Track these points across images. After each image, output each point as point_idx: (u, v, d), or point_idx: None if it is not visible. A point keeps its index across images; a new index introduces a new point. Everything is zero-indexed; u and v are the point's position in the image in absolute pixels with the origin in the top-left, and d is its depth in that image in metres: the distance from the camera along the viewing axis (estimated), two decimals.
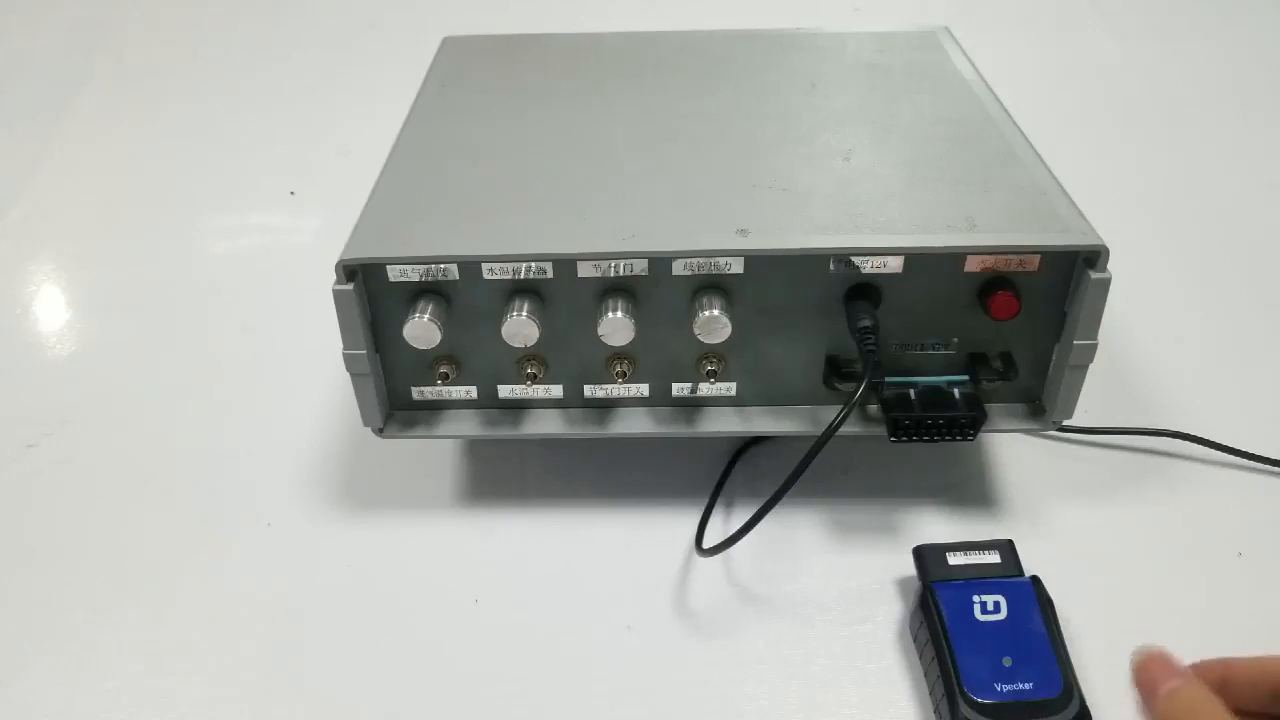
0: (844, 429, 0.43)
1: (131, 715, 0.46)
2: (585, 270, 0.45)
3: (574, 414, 0.50)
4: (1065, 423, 0.49)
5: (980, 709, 0.41)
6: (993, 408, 0.49)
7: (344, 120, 0.93)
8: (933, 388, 0.48)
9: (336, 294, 0.45)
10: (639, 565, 0.51)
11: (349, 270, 0.45)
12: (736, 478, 0.55)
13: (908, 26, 0.66)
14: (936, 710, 0.43)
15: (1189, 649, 0.42)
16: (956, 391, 0.47)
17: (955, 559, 0.47)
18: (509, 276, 0.45)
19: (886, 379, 0.47)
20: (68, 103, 0.98)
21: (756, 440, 0.56)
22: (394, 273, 0.45)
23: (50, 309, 0.72)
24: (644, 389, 0.50)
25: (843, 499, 0.54)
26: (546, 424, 0.50)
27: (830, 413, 0.45)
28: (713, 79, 0.60)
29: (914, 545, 0.48)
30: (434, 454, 0.58)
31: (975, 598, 0.45)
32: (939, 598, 0.45)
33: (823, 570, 0.51)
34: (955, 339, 0.48)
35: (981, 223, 0.45)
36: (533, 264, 0.45)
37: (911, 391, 0.47)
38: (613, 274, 0.45)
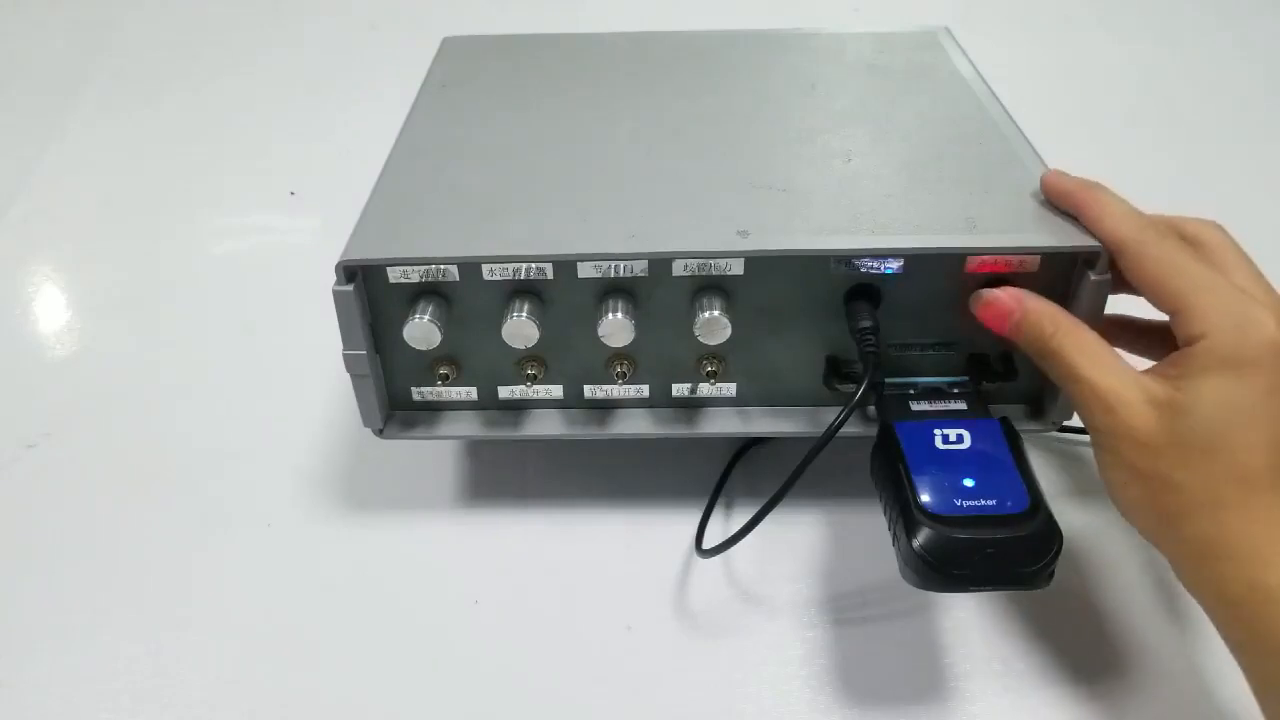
0: (844, 430, 0.43)
1: (132, 715, 0.46)
2: (585, 271, 0.45)
3: (574, 415, 0.50)
4: (1065, 423, 0.49)
5: (937, 520, 0.39)
6: (992, 409, 0.49)
7: (344, 120, 0.93)
8: (933, 389, 0.48)
9: (336, 295, 0.45)
10: (639, 565, 0.51)
11: (349, 271, 0.45)
12: (736, 478, 0.55)
13: (908, 27, 0.66)
14: (895, 541, 0.41)
15: (1190, 648, 0.42)
16: (956, 392, 0.47)
17: (918, 405, 0.45)
18: (509, 277, 0.45)
19: (886, 380, 0.47)
20: (67, 103, 0.98)
21: (756, 441, 0.56)
22: (394, 274, 0.45)
23: (50, 309, 0.72)
24: (644, 390, 0.50)
25: (843, 499, 0.54)
26: (546, 425, 0.50)
27: (830, 413, 0.45)
28: (713, 79, 0.60)
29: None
30: (434, 454, 0.58)
31: (936, 430, 0.42)
32: (898, 433, 0.42)
33: (822, 571, 0.51)
34: (955, 340, 0.48)
35: (982, 223, 0.45)
36: (533, 265, 0.45)
37: (911, 392, 0.47)
38: (613, 275, 0.45)
